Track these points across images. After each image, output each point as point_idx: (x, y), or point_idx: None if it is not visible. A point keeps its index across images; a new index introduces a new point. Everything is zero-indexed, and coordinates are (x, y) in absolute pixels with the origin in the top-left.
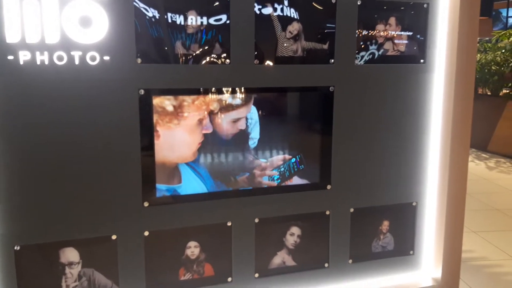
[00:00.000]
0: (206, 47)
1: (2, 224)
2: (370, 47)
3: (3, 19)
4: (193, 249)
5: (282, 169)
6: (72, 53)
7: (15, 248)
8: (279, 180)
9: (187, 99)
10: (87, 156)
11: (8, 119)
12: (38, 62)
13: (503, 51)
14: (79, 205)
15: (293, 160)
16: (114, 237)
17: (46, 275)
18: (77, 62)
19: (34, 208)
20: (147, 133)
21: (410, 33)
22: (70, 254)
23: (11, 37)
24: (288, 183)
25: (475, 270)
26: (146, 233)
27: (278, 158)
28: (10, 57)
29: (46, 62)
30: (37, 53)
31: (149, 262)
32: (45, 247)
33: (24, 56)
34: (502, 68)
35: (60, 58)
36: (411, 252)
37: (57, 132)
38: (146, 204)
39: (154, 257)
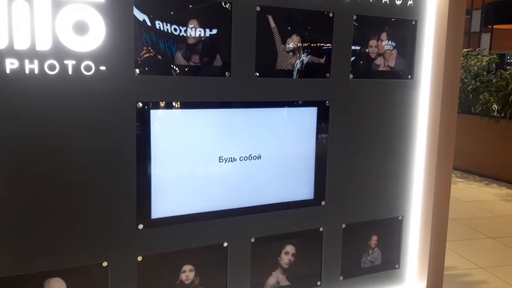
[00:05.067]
0: (207, 59)
1: None
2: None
3: None
4: (188, 273)
5: None
6: (65, 62)
7: None
8: None
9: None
10: (77, 175)
11: None
12: (27, 71)
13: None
14: (67, 230)
15: None
16: (105, 264)
17: None
18: (70, 72)
19: (15, 234)
20: (144, 149)
21: (400, 49)
22: (56, 285)
23: None
24: (284, 200)
25: (448, 281)
26: (140, 258)
27: None
28: None
29: (36, 72)
30: (26, 61)
31: None
32: (27, 278)
33: (11, 65)
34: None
35: (51, 67)
36: (397, 266)
37: (45, 149)
38: (140, 226)
39: (147, 284)
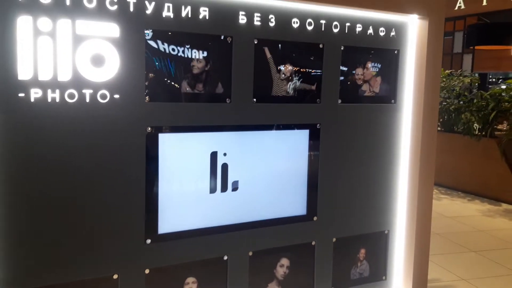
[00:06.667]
0: (209, 87)
1: None
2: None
3: (16, 56)
4: (191, 285)
5: None
6: (83, 91)
7: None
8: None
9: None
10: (92, 194)
11: (16, 157)
12: (49, 100)
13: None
14: (81, 245)
15: None
16: (115, 276)
17: None
18: (88, 100)
19: (30, 249)
20: (153, 171)
21: (384, 76)
22: None
23: (23, 74)
24: (279, 216)
25: None
26: (147, 271)
27: None
28: (21, 95)
29: (57, 100)
30: (49, 91)
31: None
32: None
33: (35, 94)
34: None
35: (71, 96)
36: (384, 277)
37: (64, 169)
38: (148, 241)
39: None
